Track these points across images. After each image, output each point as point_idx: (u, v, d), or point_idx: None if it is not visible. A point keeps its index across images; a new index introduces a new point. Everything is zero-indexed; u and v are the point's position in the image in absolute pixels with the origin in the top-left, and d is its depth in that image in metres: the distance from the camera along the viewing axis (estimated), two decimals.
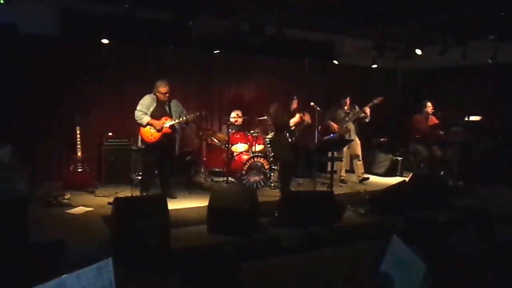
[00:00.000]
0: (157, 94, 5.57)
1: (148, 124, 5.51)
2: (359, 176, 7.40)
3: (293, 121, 6.04)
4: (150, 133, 5.54)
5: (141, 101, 5.57)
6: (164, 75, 5.90)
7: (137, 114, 5.52)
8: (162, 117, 5.58)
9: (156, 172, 5.97)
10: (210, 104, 7.60)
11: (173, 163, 6.18)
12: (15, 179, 5.09)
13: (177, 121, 5.65)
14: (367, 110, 7.11)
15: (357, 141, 7.34)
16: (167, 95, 5.59)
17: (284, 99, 6.28)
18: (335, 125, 7.20)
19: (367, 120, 7.24)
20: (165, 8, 6.17)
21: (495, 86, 7.95)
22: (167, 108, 5.66)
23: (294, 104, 6.17)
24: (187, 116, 5.76)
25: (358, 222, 5.24)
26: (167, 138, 5.66)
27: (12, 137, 5.57)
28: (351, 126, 7.32)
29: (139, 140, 5.67)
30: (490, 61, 7.52)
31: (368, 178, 7.40)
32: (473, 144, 7.40)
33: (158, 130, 5.54)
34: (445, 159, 7.48)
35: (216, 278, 3.44)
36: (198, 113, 5.98)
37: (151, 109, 5.55)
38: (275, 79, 8.04)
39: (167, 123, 5.58)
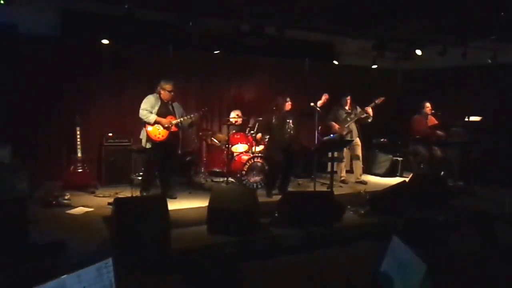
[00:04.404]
0: (161, 93, 5.60)
1: (156, 122, 5.52)
2: (357, 178, 7.40)
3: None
4: (157, 132, 5.55)
5: (144, 101, 5.58)
6: (164, 75, 5.91)
7: (143, 113, 5.51)
8: (167, 116, 5.61)
9: (156, 172, 5.97)
10: (210, 104, 7.61)
11: (174, 163, 6.19)
12: (15, 179, 5.09)
13: (182, 119, 5.69)
14: (369, 110, 7.07)
15: (357, 142, 7.32)
16: (172, 93, 5.62)
17: (278, 101, 6.21)
18: (336, 126, 7.14)
19: (369, 120, 7.20)
20: (165, 9, 6.18)
21: (495, 86, 7.94)
22: (170, 107, 5.69)
23: (288, 106, 6.14)
24: (191, 115, 5.78)
25: (358, 222, 5.23)
26: (173, 137, 5.70)
27: (12, 137, 5.57)
28: (353, 127, 7.29)
29: (144, 140, 5.63)
30: (490, 61, 7.52)
31: (365, 183, 7.35)
32: (473, 144, 7.39)
33: (166, 128, 5.56)
34: (445, 159, 7.48)
35: (216, 278, 3.44)
36: (201, 111, 6.00)
37: (156, 108, 5.56)
38: (275, 79, 8.03)
39: (173, 121, 5.60)
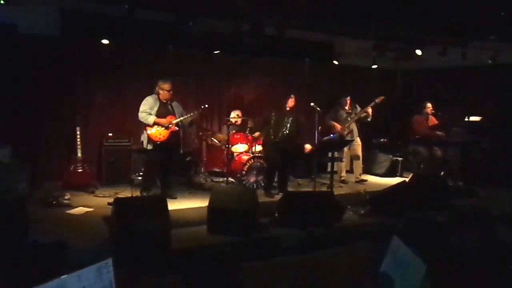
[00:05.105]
0: (160, 93, 5.60)
1: (155, 123, 5.52)
2: (357, 178, 7.40)
3: None
4: (158, 133, 5.55)
5: (143, 102, 5.58)
6: (164, 75, 5.91)
7: (142, 115, 5.52)
8: (167, 116, 5.61)
9: (157, 172, 5.96)
10: (210, 104, 7.58)
11: (175, 163, 6.18)
12: (15, 179, 5.10)
13: (182, 118, 5.69)
14: (369, 110, 7.08)
15: (358, 142, 7.32)
16: (171, 92, 5.63)
17: (282, 98, 6.20)
18: (338, 125, 7.11)
19: (369, 120, 7.20)
20: (165, 9, 6.17)
21: (495, 86, 7.94)
22: (170, 107, 5.69)
23: (291, 103, 6.08)
24: (191, 114, 5.78)
25: (358, 222, 5.24)
26: (174, 137, 5.70)
27: (12, 137, 5.57)
28: (354, 126, 7.28)
29: (145, 141, 5.62)
30: (490, 61, 7.52)
31: (365, 181, 7.39)
32: (473, 144, 7.40)
33: (166, 128, 5.56)
34: (445, 160, 7.48)
35: (216, 278, 3.44)
36: (200, 108, 5.98)
37: (155, 109, 5.57)
38: (275, 79, 8.03)
39: (173, 121, 5.60)
